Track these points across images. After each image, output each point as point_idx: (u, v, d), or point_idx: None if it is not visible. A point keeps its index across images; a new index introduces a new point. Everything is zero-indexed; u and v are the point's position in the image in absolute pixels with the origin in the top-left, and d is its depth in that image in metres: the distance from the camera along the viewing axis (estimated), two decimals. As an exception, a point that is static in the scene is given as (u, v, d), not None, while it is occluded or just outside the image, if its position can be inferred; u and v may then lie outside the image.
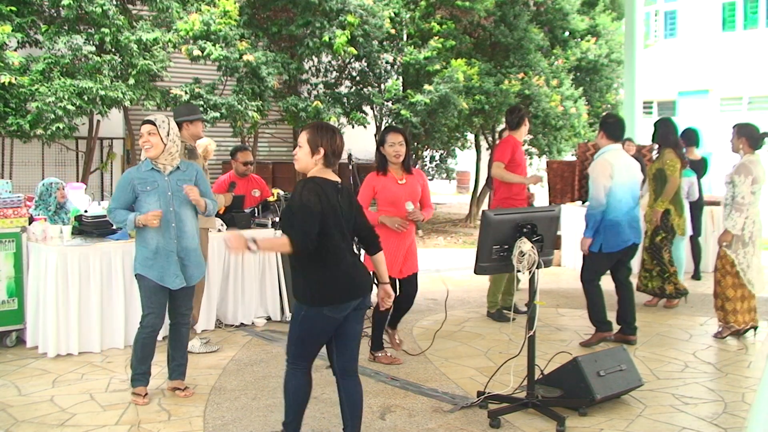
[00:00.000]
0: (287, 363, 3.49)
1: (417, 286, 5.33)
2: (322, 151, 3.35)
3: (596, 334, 5.56)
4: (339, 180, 3.42)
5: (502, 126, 14.85)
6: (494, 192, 6.75)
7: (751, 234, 5.64)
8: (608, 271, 5.65)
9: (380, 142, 5.14)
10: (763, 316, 6.67)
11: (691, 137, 7.80)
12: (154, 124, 4.23)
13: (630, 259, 5.69)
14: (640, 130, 12.06)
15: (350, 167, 6.98)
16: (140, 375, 4.37)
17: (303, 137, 3.40)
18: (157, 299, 4.30)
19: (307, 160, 3.38)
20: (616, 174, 5.35)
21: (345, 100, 11.57)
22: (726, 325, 5.79)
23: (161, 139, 4.23)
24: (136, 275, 4.34)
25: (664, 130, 6.79)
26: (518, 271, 4.04)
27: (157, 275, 4.25)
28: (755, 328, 5.84)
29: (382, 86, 12.07)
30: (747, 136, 5.70)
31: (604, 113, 15.50)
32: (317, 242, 3.25)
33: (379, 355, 5.29)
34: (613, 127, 5.54)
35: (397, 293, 5.24)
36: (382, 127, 12.42)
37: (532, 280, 4.14)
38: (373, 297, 6.87)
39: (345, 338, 3.47)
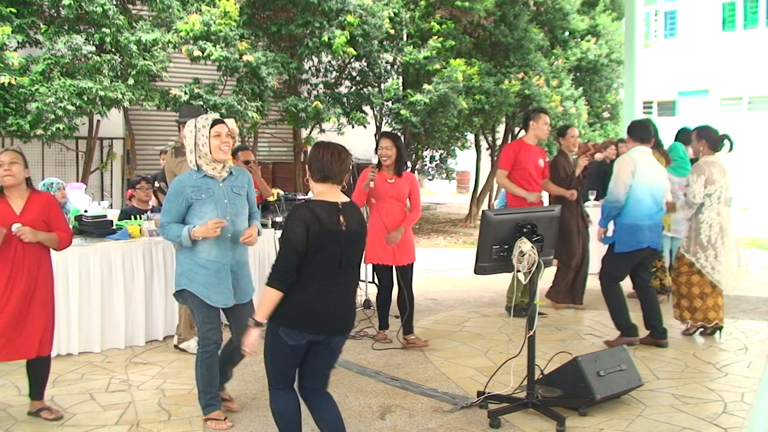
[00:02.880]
0: (268, 385, 3.33)
1: (412, 276, 5.62)
2: (314, 170, 3.24)
3: (620, 338, 5.49)
4: (341, 200, 3.21)
5: (503, 126, 14.93)
6: (507, 197, 6.74)
7: (708, 237, 5.63)
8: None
9: (376, 145, 5.66)
10: (762, 316, 6.68)
11: (687, 137, 7.84)
12: (227, 125, 3.97)
13: (650, 264, 5.65)
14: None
15: (350, 167, 7.02)
16: (212, 399, 3.95)
17: None
18: (213, 313, 3.93)
19: (311, 184, 3.29)
20: (639, 173, 5.36)
21: (345, 100, 11.58)
22: (680, 319, 5.86)
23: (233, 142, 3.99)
24: (179, 291, 3.94)
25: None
26: (518, 271, 4.04)
27: (204, 291, 3.85)
28: (720, 329, 5.81)
29: (382, 86, 12.07)
30: (706, 139, 5.75)
31: (605, 114, 15.56)
32: (295, 273, 3.09)
33: (380, 331, 5.70)
34: (640, 130, 5.57)
35: (395, 282, 5.54)
36: (382, 127, 12.43)
37: (532, 280, 4.14)
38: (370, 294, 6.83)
39: (309, 368, 3.27)
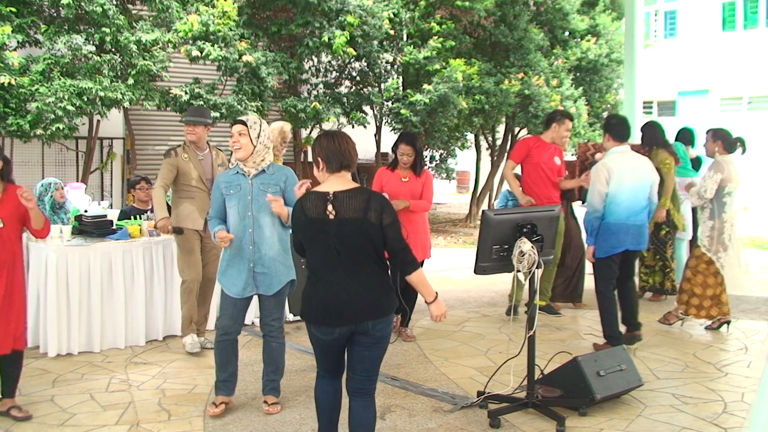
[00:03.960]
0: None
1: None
2: (319, 160, 3.26)
3: (606, 346, 5.44)
4: (338, 189, 3.19)
5: (503, 126, 14.92)
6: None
7: (730, 236, 5.76)
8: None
9: (395, 146, 5.78)
10: (762, 316, 6.68)
11: (687, 136, 7.86)
12: (246, 125, 4.11)
13: (630, 266, 5.59)
14: (640, 130, 12.04)
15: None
16: (221, 383, 4.24)
17: None
18: (228, 302, 4.18)
19: (317, 175, 3.32)
20: (615, 179, 5.26)
21: (345, 100, 11.57)
22: (684, 314, 5.92)
23: (251, 140, 4.09)
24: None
25: (652, 132, 6.89)
26: (518, 271, 4.04)
27: (223, 281, 4.18)
28: (728, 323, 5.95)
29: (382, 86, 12.07)
30: (722, 139, 5.86)
31: (605, 114, 15.55)
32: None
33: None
34: (617, 128, 5.45)
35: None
36: (382, 127, 12.42)
37: (532, 280, 4.14)
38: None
39: (353, 359, 3.27)
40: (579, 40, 15.11)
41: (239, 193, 4.11)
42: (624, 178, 5.29)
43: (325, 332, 3.19)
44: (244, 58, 9.68)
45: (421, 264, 5.62)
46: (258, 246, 4.10)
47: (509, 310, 6.53)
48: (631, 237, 5.31)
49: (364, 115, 11.38)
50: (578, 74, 15.09)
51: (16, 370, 4.15)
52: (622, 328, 5.63)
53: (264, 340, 4.31)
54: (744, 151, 5.85)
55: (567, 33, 15.23)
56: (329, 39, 10.31)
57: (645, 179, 5.39)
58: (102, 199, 9.80)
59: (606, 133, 5.52)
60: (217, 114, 9.51)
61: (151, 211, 6.20)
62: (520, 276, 4.07)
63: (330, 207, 3.16)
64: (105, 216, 5.84)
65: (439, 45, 11.93)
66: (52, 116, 8.17)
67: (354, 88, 12.07)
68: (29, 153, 10.48)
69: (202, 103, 9.39)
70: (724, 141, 5.83)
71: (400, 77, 12.54)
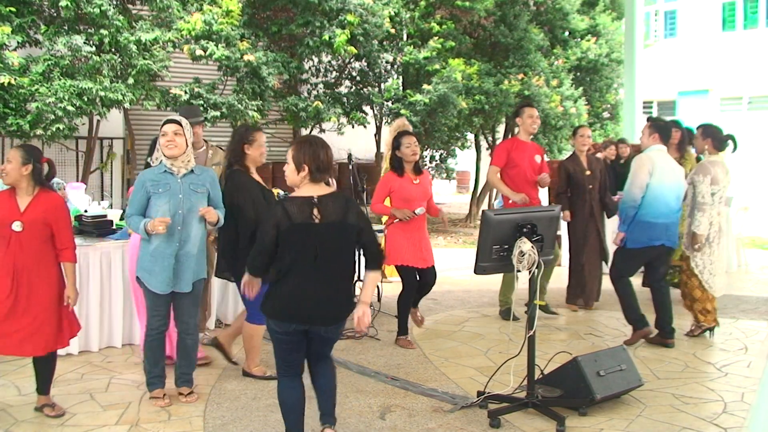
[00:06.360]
0: (276, 373, 3.58)
1: (436, 276, 5.77)
2: (305, 168, 3.35)
3: (635, 333, 5.54)
4: (319, 193, 3.36)
5: (503, 126, 14.93)
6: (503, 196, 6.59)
7: (707, 235, 5.63)
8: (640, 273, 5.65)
9: (396, 146, 5.66)
10: (762, 316, 6.68)
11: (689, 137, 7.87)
12: (180, 125, 4.21)
13: (663, 263, 5.60)
14: (640, 130, 12.06)
15: (350, 167, 7.04)
16: (154, 378, 4.35)
17: (289, 154, 3.43)
18: (158, 302, 4.24)
19: (293, 177, 3.41)
20: (657, 172, 5.32)
21: (345, 100, 11.58)
22: (698, 324, 5.82)
23: (186, 140, 4.19)
24: (137, 278, 4.29)
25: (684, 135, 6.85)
26: (518, 270, 4.04)
27: (148, 278, 4.19)
28: (711, 329, 5.81)
29: (382, 86, 12.07)
30: (712, 137, 5.76)
31: (605, 113, 15.56)
32: (267, 264, 3.38)
33: (402, 338, 5.67)
34: (666, 131, 5.53)
35: (418, 279, 5.68)
36: (382, 127, 12.42)
37: (531, 280, 4.14)
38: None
39: (311, 349, 3.54)
40: (579, 40, 15.13)
41: (169, 191, 4.16)
42: (665, 177, 5.36)
43: (284, 326, 3.37)
44: (246, 57, 9.68)
45: (434, 268, 5.72)
46: (183, 243, 4.20)
47: (506, 313, 6.39)
48: (669, 233, 5.40)
49: (364, 115, 11.38)
50: (578, 74, 15.11)
51: (46, 368, 4.17)
52: (655, 331, 5.61)
53: (179, 337, 4.40)
54: (735, 148, 5.79)
55: (567, 33, 15.26)
56: (330, 38, 10.31)
57: (681, 182, 5.51)
58: (102, 199, 9.80)
59: (656, 133, 5.51)
60: (218, 113, 9.51)
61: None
62: (520, 276, 4.07)
63: (315, 211, 3.31)
64: (105, 216, 5.84)
65: (439, 45, 11.93)
66: (52, 116, 8.16)
67: (354, 88, 12.08)
68: (29, 153, 10.46)
69: (202, 101, 9.39)
70: (714, 139, 5.73)
71: (400, 77, 12.55)
